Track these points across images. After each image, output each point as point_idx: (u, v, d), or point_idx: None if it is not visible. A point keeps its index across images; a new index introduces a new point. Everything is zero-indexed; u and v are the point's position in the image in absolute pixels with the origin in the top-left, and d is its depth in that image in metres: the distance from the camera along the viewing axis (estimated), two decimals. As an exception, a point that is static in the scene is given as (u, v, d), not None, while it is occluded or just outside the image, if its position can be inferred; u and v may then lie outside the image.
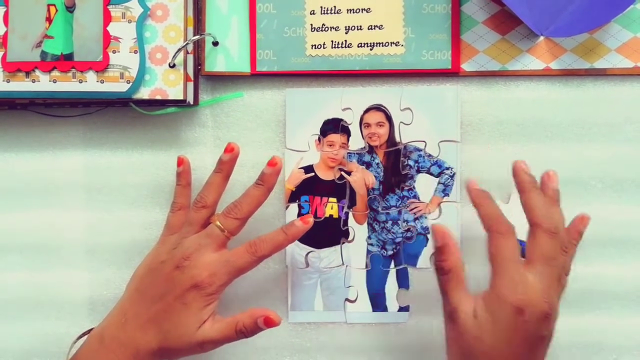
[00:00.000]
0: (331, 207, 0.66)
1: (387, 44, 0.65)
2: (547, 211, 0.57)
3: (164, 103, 0.63)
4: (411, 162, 0.65)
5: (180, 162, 0.64)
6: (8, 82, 0.62)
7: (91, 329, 0.62)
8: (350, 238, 0.66)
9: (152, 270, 0.60)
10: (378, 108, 0.65)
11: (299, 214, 0.66)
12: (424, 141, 0.65)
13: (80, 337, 0.62)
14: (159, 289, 0.59)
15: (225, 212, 0.60)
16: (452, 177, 0.65)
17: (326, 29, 0.65)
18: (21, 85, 0.62)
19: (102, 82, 0.62)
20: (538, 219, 0.56)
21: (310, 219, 0.60)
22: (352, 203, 0.66)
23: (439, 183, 0.65)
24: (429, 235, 0.65)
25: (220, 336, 0.59)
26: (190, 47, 0.63)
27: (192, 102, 0.64)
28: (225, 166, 0.62)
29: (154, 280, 0.59)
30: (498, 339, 0.54)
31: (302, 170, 0.66)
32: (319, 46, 0.65)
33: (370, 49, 0.65)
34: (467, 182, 0.60)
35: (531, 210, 0.57)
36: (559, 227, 0.57)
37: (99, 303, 0.66)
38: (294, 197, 0.66)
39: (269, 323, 0.58)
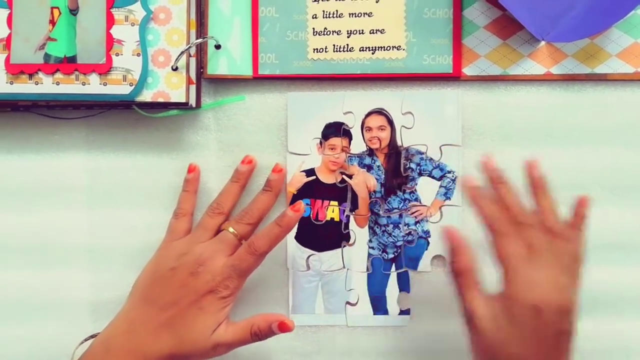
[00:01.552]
0: (332, 211, 0.66)
1: (388, 48, 0.65)
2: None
3: (167, 106, 0.64)
4: (413, 165, 0.65)
5: (192, 169, 0.65)
6: (11, 84, 0.62)
7: (94, 335, 0.62)
8: (351, 241, 0.66)
9: (160, 277, 0.60)
10: (379, 112, 0.66)
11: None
12: (425, 145, 0.65)
13: (83, 342, 0.62)
14: (170, 296, 0.59)
15: (237, 218, 0.62)
16: (453, 180, 0.65)
17: (328, 32, 0.65)
18: (24, 87, 0.62)
19: (104, 84, 0.62)
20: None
21: (301, 206, 0.60)
22: (354, 206, 0.66)
23: (440, 186, 0.65)
24: (429, 239, 0.66)
25: (234, 339, 0.59)
26: (192, 50, 0.63)
27: (194, 105, 0.64)
28: (243, 176, 0.64)
29: (164, 288, 0.60)
30: (521, 341, 0.54)
31: (304, 174, 0.66)
32: (321, 50, 0.65)
33: (372, 53, 0.65)
34: (463, 179, 0.60)
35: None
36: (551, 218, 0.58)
37: (101, 305, 0.66)
38: (295, 200, 0.66)
39: (284, 328, 0.59)
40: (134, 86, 0.62)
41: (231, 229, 0.61)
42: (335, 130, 0.66)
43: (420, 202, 0.65)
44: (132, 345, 0.59)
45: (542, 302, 0.54)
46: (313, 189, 0.66)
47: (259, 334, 0.60)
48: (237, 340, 0.60)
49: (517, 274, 0.55)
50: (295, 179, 0.66)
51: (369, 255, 0.66)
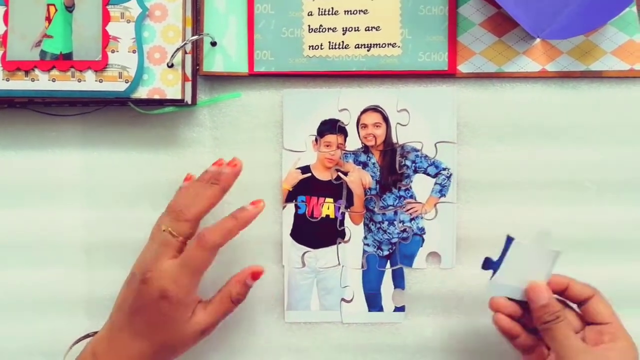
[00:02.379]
0: (328, 208, 0.66)
1: (384, 45, 0.65)
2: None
3: (162, 103, 0.64)
4: (408, 162, 0.66)
5: (188, 178, 0.64)
6: (7, 80, 0.62)
7: (88, 334, 0.62)
8: (346, 238, 0.66)
9: (126, 285, 0.60)
10: (375, 109, 0.66)
11: (296, 215, 0.66)
12: (420, 142, 0.65)
13: (76, 342, 0.63)
14: (133, 305, 0.59)
15: (173, 215, 0.59)
16: (448, 177, 0.65)
17: (324, 30, 0.65)
18: (20, 84, 0.62)
19: (100, 81, 0.62)
20: None
21: (262, 204, 0.60)
22: (349, 203, 0.66)
23: (435, 184, 0.65)
24: (424, 236, 0.66)
25: (217, 315, 0.60)
26: (188, 47, 0.64)
27: (190, 102, 0.64)
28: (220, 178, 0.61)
29: (127, 294, 0.59)
30: None
31: (299, 171, 0.66)
32: (317, 47, 0.65)
33: (368, 50, 0.65)
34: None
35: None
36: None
37: (96, 302, 0.67)
38: (290, 197, 0.66)
39: (256, 277, 0.60)
40: (129, 83, 0.62)
41: (169, 229, 0.59)
42: (330, 127, 0.66)
43: (415, 199, 0.66)
44: (114, 350, 0.59)
45: None
46: (308, 186, 0.66)
47: (240, 297, 0.60)
48: (221, 314, 0.60)
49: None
50: (291, 176, 0.66)
51: (364, 252, 0.66)
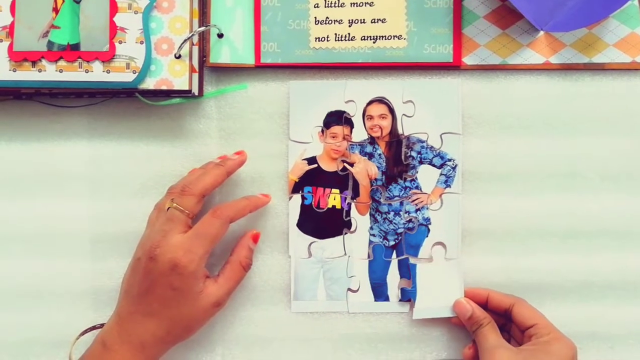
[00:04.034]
0: (334, 198, 0.67)
1: (389, 37, 0.66)
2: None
3: (169, 94, 0.64)
4: (414, 154, 0.66)
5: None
6: (14, 71, 0.62)
7: (94, 327, 0.63)
8: (352, 229, 0.67)
9: (131, 269, 0.61)
10: (381, 100, 0.66)
11: (302, 205, 0.66)
12: (426, 133, 0.66)
13: (82, 333, 0.63)
14: (142, 285, 0.59)
15: (178, 191, 0.61)
16: (454, 168, 0.66)
17: (330, 22, 0.66)
18: (27, 74, 0.62)
19: (108, 72, 0.62)
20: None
21: (270, 197, 0.65)
22: (355, 194, 0.67)
23: (441, 174, 0.66)
24: (430, 226, 0.66)
25: (229, 285, 0.62)
26: (195, 39, 0.64)
27: (196, 93, 0.65)
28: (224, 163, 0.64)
29: (135, 278, 0.60)
30: None
31: (305, 162, 0.67)
32: (323, 39, 0.66)
33: (373, 42, 0.66)
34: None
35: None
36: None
37: (102, 293, 0.67)
38: (297, 187, 0.66)
39: (257, 239, 0.65)
40: (137, 74, 0.62)
41: (175, 205, 0.60)
42: (337, 118, 0.66)
43: (421, 190, 0.66)
44: (125, 337, 0.59)
45: None
46: (315, 177, 0.67)
47: (249, 261, 0.64)
48: (233, 282, 0.62)
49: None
50: (297, 167, 0.66)
51: (370, 242, 0.67)
